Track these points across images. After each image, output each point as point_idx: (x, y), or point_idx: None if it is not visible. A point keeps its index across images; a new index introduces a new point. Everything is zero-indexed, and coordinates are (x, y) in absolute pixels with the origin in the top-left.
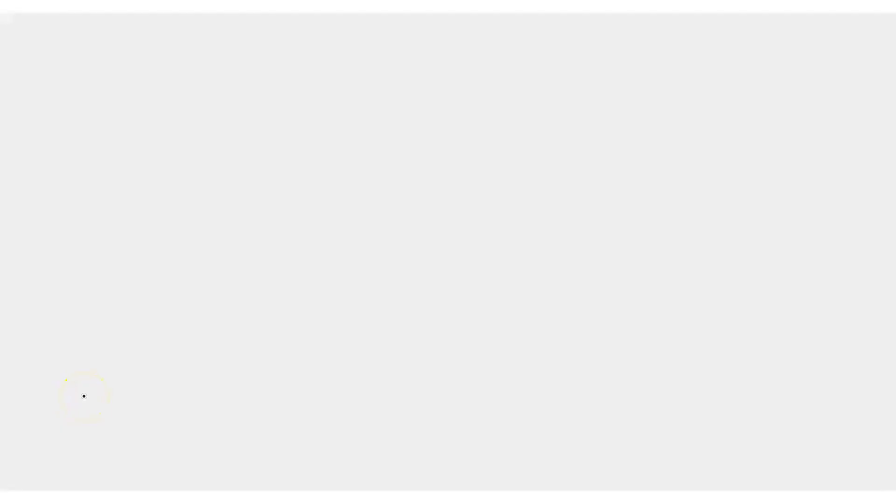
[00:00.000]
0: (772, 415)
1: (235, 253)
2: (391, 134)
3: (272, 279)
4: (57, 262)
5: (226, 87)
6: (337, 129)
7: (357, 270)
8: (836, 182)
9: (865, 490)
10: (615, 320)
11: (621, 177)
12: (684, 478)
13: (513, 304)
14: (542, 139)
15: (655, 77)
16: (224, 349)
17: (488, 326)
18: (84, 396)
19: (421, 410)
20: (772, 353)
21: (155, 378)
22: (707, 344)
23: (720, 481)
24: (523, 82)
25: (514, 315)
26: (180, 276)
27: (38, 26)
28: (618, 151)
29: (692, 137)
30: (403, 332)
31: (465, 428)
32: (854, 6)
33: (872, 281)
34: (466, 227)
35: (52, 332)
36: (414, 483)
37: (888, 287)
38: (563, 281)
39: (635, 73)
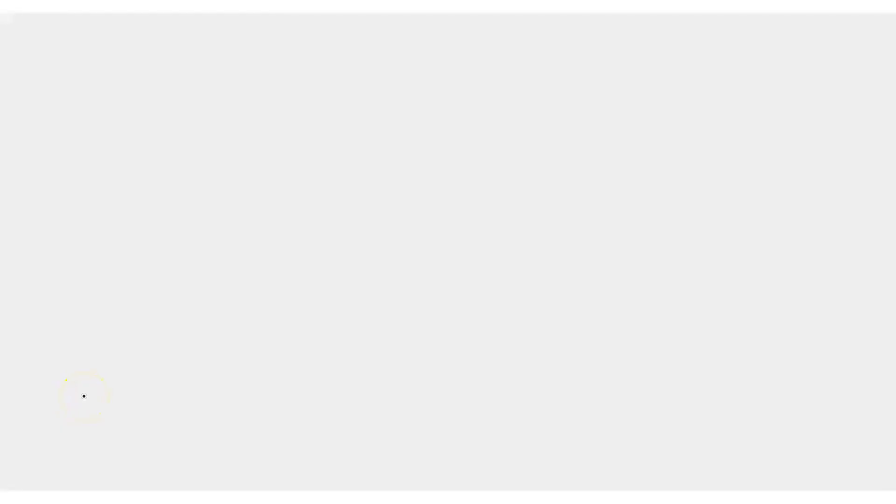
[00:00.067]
0: (772, 415)
1: (235, 253)
2: (391, 134)
3: (272, 279)
4: (57, 262)
5: (226, 87)
6: (337, 129)
7: (357, 270)
8: (836, 182)
9: (865, 490)
10: (615, 320)
11: (621, 177)
12: (684, 478)
13: (513, 303)
14: (543, 139)
15: (655, 77)
16: (224, 349)
17: (488, 326)
18: (84, 396)
19: (421, 410)
20: (772, 353)
21: (155, 378)
22: (707, 344)
23: (720, 481)
24: (523, 82)
25: (515, 315)
26: (180, 276)
27: (38, 26)
28: (618, 151)
29: (692, 137)
30: (403, 332)
31: (465, 428)
32: (854, 6)
33: (872, 281)
34: (466, 226)
35: (52, 332)
36: (414, 483)
37: (888, 287)
38: (564, 281)
39: (635, 73)
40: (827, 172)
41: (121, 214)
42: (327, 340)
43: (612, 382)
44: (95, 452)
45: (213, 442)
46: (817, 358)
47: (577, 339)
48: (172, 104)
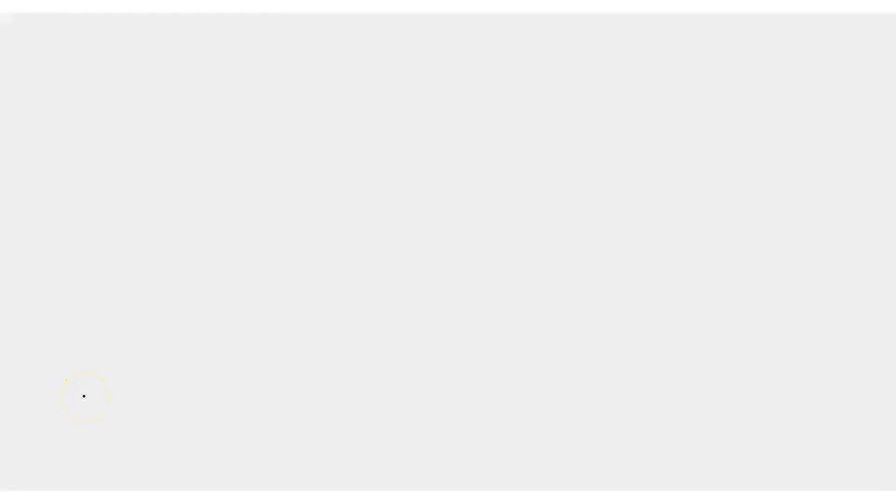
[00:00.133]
0: (772, 415)
1: (235, 253)
2: (391, 134)
3: (272, 279)
4: (57, 262)
5: (226, 87)
6: (337, 129)
7: (357, 270)
8: (836, 182)
9: (865, 490)
10: (615, 320)
11: (621, 177)
12: (684, 478)
13: (513, 304)
14: (543, 139)
15: (655, 77)
16: (224, 349)
17: (488, 326)
18: (84, 396)
19: (421, 410)
20: (772, 353)
21: (155, 378)
22: (707, 344)
23: (720, 481)
24: (523, 82)
25: (515, 315)
26: (180, 276)
27: (38, 26)
28: (618, 151)
29: (692, 137)
30: (403, 332)
31: (465, 428)
32: (854, 6)
33: (872, 281)
34: (466, 226)
35: (52, 332)
36: (414, 483)
37: (888, 287)
38: (564, 281)
39: (635, 74)
40: (827, 172)
41: (121, 214)
42: (327, 340)
43: (613, 382)
44: (95, 452)
45: (213, 442)
46: (817, 358)
47: (578, 339)
48: (172, 104)
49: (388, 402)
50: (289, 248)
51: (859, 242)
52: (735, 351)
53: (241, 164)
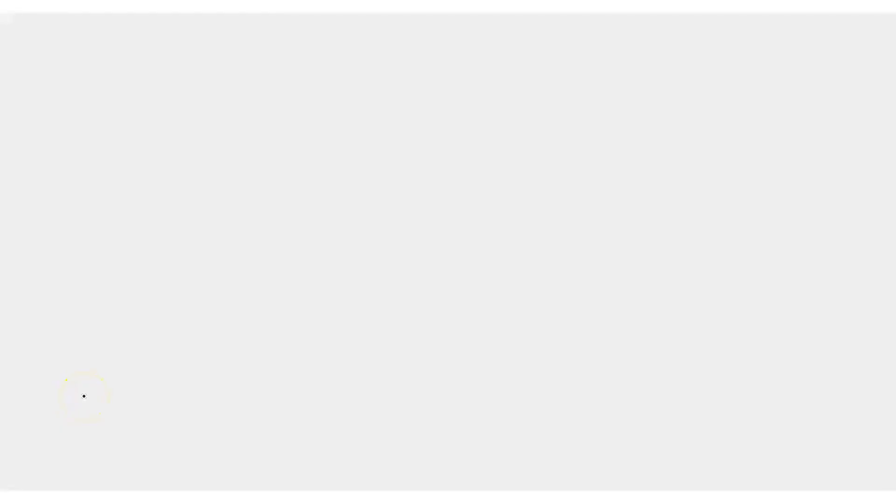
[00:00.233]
0: (772, 415)
1: (235, 253)
2: (391, 134)
3: (272, 279)
4: (57, 262)
5: (226, 87)
6: (337, 129)
7: (357, 270)
8: (836, 182)
9: (865, 490)
10: (615, 320)
11: (621, 177)
12: (684, 478)
13: (513, 304)
14: (542, 139)
15: (655, 77)
16: (224, 349)
17: (488, 326)
18: (84, 396)
19: (421, 410)
20: (772, 353)
21: (155, 378)
22: (707, 344)
23: (720, 481)
24: (523, 82)
25: (515, 315)
26: (180, 276)
27: (38, 26)
28: (618, 151)
29: (692, 137)
30: (403, 332)
31: (465, 428)
32: (854, 6)
33: (872, 281)
34: (466, 226)
35: (52, 332)
36: (414, 483)
37: (888, 287)
38: (564, 281)
39: (635, 74)
40: (827, 172)
41: (121, 214)
42: (327, 340)
43: (613, 382)
44: (95, 452)
45: (213, 442)
46: (817, 358)
47: (578, 339)
48: (172, 104)
49: (389, 402)
50: (288, 248)
51: (859, 242)
52: (735, 351)
53: (240, 164)
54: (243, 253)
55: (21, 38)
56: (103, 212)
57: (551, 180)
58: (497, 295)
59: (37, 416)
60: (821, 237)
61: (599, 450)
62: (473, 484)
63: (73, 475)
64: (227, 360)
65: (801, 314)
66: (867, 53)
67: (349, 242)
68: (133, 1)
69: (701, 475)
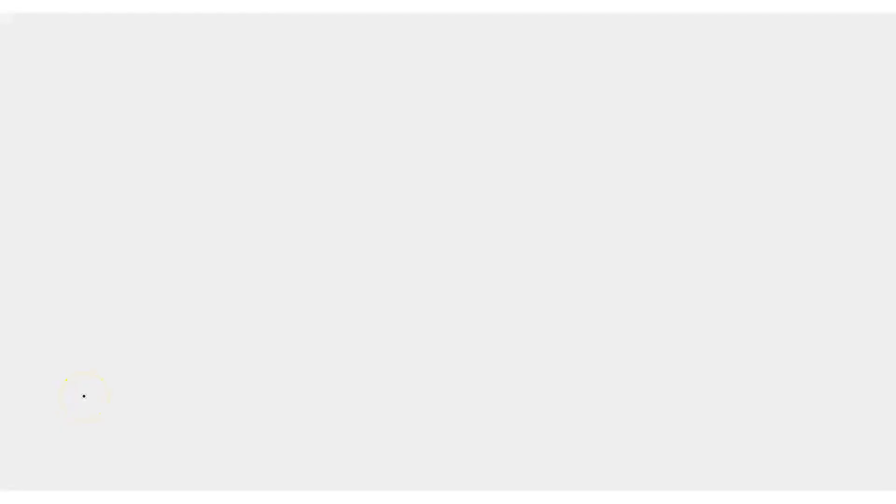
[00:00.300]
0: (772, 415)
1: (235, 253)
2: (391, 134)
3: (272, 279)
4: (57, 262)
5: (226, 87)
6: (337, 130)
7: (357, 270)
8: (836, 182)
9: (865, 490)
10: (615, 320)
11: (621, 177)
12: (684, 478)
13: (513, 304)
14: (542, 139)
15: (655, 77)
16: (224, 349)
17: (488, 327)
18: (84, 396)
19: (421, 410)
20: (772, 353)
21: (155, 378)
22: (707, 344)
23: (720, 481)
24: (523, 82)
25: (515, 315)
26: (180, 276)
27: (38, 26)
28: (618, 151)
29: (692, 137)
30: (403, 332)
31: (465, 428)
32: (854, 6)
33: (872, 281)
34: (466, 227)
35: (52, 332)
36: (414, 483)
37: (888, 287)
38: (564, 281)
39: (635, 74)
40: (827, 172)
41: (121, 214)
42: (327, 340)
43: (613, 382)
44: (95, 452)
45: (213, 442)
46: (817, 358)
47: (578, 339)
48: (172, 104)
49: (389, 402)
50: (288, 249)
51: (859, 242)
52: (735, 351)
53: (240, 164)
54: (243, 253)
55: (21, 38)
56: (103, 212)
57: (551, 180)
58: (497, 295)
59: (37, 416)
60: (821, 237)
61: (599, 450)
62: (473, 484)
63: (73, 475)
64: (227, 361)
65: (801, 314)
66: (867, 53)
67: (349, 242)
68: (133, 1)
69: (701, 475)
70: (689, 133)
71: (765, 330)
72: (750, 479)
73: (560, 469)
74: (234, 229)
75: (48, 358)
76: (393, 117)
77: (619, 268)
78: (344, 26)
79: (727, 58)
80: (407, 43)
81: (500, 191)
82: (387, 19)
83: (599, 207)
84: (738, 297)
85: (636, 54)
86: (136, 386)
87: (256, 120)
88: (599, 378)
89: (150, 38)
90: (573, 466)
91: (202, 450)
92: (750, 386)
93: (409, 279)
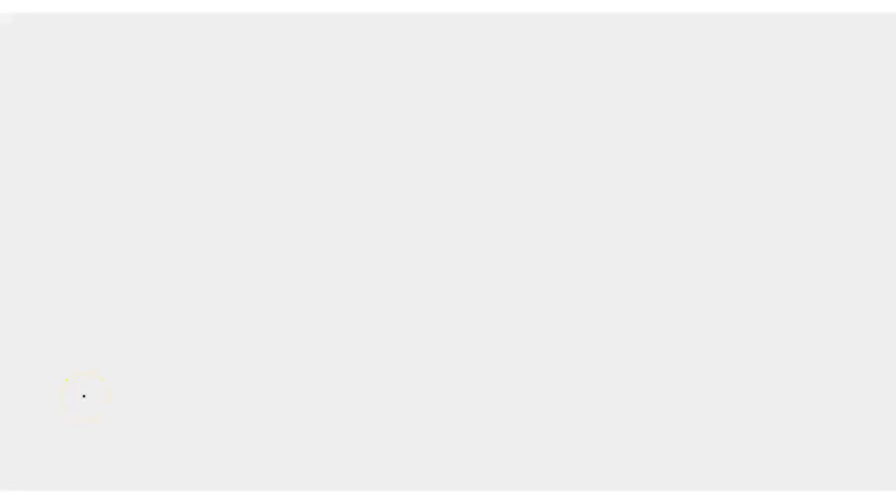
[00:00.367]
0: (772, 415)
1: (235, 253)
2: (391, 134)
3: (272, 279)
4: (57, 262)
5: (226, 87)
6: (337, 130)
7: (357, 270)
8: (836, 182)
9: (865, 490)
10: (615, 320)
11: (621, 177)
12: (684, 478)
13: (513, 304)
14: (542, 139)
15: (655, 77)
16: (224, 349)
17: (488, 327)
18: (84, 396)
19: (421, 410)
20: (772, 353)
21: (155, 378)
22: (707, 344)
23: (720, 481)
24: (523, 82)
25: (515, 315)
26: (180, 276)
27: (38, 26)
28: (618, 152)
29: (692, 137)
30: (403, 332)
31: (465, 428)
32: (854, 6)
33: (872, 281)
34: (466, 227)
35: (52, 332)
36: (414, 483)
37: (888, 287)
38: (564, 281)
39: (635, 74)
40: (827, 172)
41: (121, 214)
42: (327, 340)
43: (613, 383)
44: (95, 452)
45: (213, 442)
46: (817, 358)
47: (578, 339)
48: (172, 104)
49: (389, 402)
50: (288, 249)
51: (859, 242)
52: (735, 351)
53: (240, 164)
54: (243, 253)
55: (21, 38)
56: (103, 212)
57: (551, 180)
58: (497, 295)
59: (37, 416)
60: (821, 237)
61: (599, 450)
62: (473, 484)
63: (73, 475)
64: (227, 361)
65: (801, 314)
66: (867, 53)
67: (349, 242)
68: (133, 1)
69: (701, 475)
70: (689, 133)
71: (765, 330)
72: (750, 479)
73: (560, 469)
74: (234, 229)
75: (48, 358)
76: (393, 117)
77: (619, 268)
78: (344, 26)
79: (727, 58)
80: (407, 43)
81: (500, 191)
82: (387, 19)
83: (599, 207)
84: (738, 296)
85: (636, 54)
86: (136, 386)
87: (256, 120)
88: (599, 378)
89: (150, 38)
90: (573, 466)
91: (202, 450)
92: (750, 386)
93: (409, 279)
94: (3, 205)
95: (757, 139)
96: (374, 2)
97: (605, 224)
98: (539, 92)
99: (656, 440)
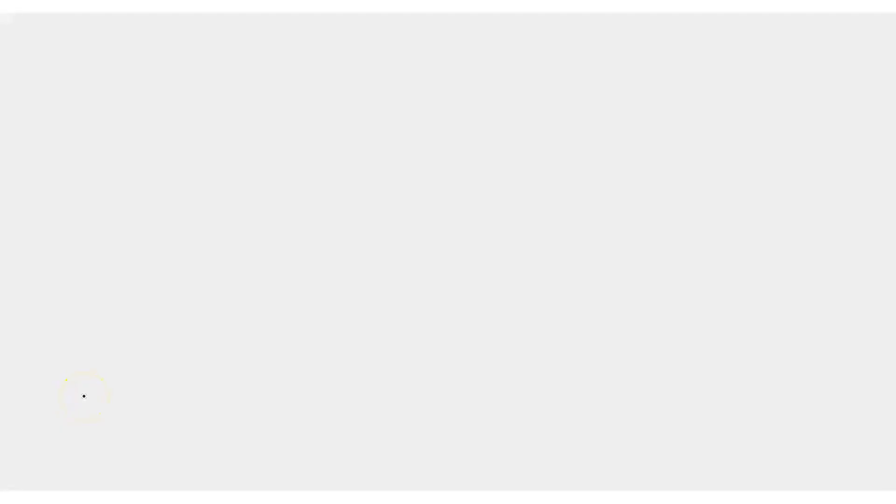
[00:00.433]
0: (772, 415)
1: (235, 253)
2: (391, 134)
3: (272, 279)
4: (57, 262)
5: (226, 87)
6: (337, 130)
7: (357, 271)
8: (836, 182)
9: (865, 490)
10: (615, 320)
11: (621, 177)
12: (684, 478)
13: (513, 304)
14: (542, 139)
15: (655, 77)
16: (224, 349)
17: (488, 327)
18: (84, 396)
19: (421, 410)
20: (772, 353)
21: (155, 378)
22: (707, 344)
23: (720, 481)
24: (523, 82)
25: (515, 315)
26: (180, 276)
27: (38, 26)
28: (618, 152)
29: (692, 137)
30: (403, 332)
31: (465, 428)
32: (854, 6)
33: (872, 281)
34: (466, 227)
35: (52, 332)
36: (414, 483)
37: (888, 287)
38: (564, 281)
39: (635, 74)
40: (827, 172)
41: (121, 214)
42: (327, 340)
43: (613, 383)
44: (95, 452)
45: (213, 442)
46: (817, 358)
47: (578, 339)
48: (172, 104)
49: (389, 402)
50: (288, 249)
51: (859, 242)
52: (735, 351)
53: (240, 164)
54: (243, 253)
55: (21, 38)
56: (103, 212)
57: (551, 180)
58: (497, 295)
59: (37, 416)
60: (821, 237)
61: (599, 450)
62: (473, 484)
63: (73, 475)
64: (227, 361)
65: (801, 314)
66: (867, 53)
67: (349, 242)
68: (133, 1)
69: (701, 475)
70: (689, 133)
71: (765, 330)
72: (750, 480)
73: (560, 469)
74: (234, 229)
75: (48, 358)
76: (393, 117)
77: (619, 267)
78: (344, 26)
79: (727, 58)
80: (407, 43)
81: (501, 191)
82: (387, 19)
83: (599, 207)
84: (738, 296)
85: (636, 54)
86: (136, 386)
87: (256, 120)
88: (600, 378)
89: (150, 38)
90: (573, 466)
91: (202, 450)
92: (750, 386)
93: (408, 279)
94: (3, 205)
95: (757, 139)
96: (374, 2)
97: (605, 224)
98: (539, 92)
99: (656, 440)
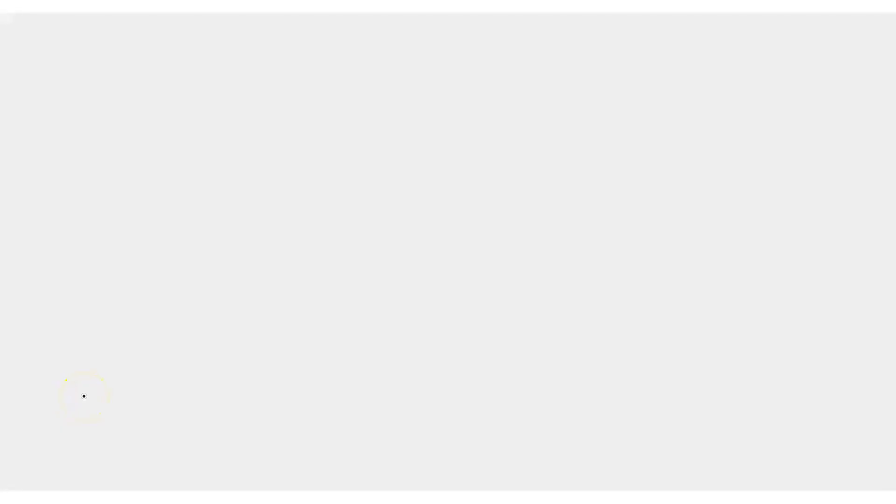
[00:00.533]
0: (772, 415)
1: (235, 253)
2: (391, 134)
3: (272, 279)
4: (57, 262)
5: (226, 87)
6: (337, 130)
7: (357, 271)
8: (836, 182)
9: (865, 490)
10: (615, 320)
11: (621, 177)
12: (684, 478)
13: (513, 304)
14: (542, 139)
15: (655, 77)
16: (224, 349)
17: (488, 327)
18: (84, 396)
19: (421, 410)
20: (772, 353)
21: (155, 378)
22: (707, 344)
23: (720, 481)
24: (523, 82)
25: (515, 315)
26: (180, 276)
27: (38, 26)
28: (618, 152)
29: (692, 137)
30: (403, 332)
31: (465, 428)
32: (854, 6)
33: (872, 281)
34: (466, 227)
35: (52, 332)
36: (414, 483)
37: (888, 287)
38: (564, 281)
39: (635, 74)
40: (827, 172)
41: (121, 214)
42: (327, 340)
43: (613, 383)
44: (95, 452)
45: (213, 442)
46: (817, 358)
47: (578, 339)
48: (172, 104)
49: (389, 402)
50: (288, 249)
51: (859, 242)
52: (735, 351)
53: (240, 164)
54: (243, 253)
55: (21, 38)
56: (103, 212)
57: (551, 180)
58: (497, 295)
59: (37, 416)
60: (820, 237)
61: (599, 450)
62: (473, 484)
63: (73, 475)
64: (227, 361)
65: (801, 314)
66: (867, 53)
67: (348, 242)
68: (133, 1)
69: (701, 475)
70: (689, 133)
71: (765, 330)
72: (750, 480)
73: (560, 469)
74: (234, 230)
75: (48, 358)
76: (393, 117)
77: (619, 268)
78: (344, 26)
79: (727, 58)
80: (407, 43)
81: (501, 191)
82: (387, 19)
83: (599, 207)
84: (738, 296)
85: (636, 54)
86: (136, 386)
87: (256, 120)
88: (600, 378)
89: (150, 38)
90: (573, 466)
91: (202, 450)
92: (750, 386)
93: (408, 279)
94: (3, 205)
95: (757, 139)
96: (374, 2)
97: (605, 223)
98: (539, 92)
99: (656, 440)
